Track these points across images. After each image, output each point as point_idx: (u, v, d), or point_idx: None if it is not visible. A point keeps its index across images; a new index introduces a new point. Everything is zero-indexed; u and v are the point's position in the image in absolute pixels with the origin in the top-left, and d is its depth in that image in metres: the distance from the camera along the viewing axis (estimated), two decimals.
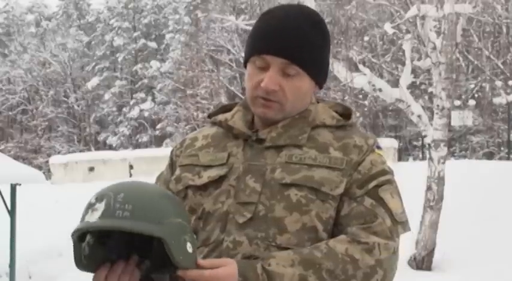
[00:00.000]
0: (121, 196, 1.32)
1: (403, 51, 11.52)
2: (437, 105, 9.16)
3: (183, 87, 30.08)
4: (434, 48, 9.29)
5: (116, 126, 39.03)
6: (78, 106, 39.89)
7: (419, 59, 11.39)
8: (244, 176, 1.49)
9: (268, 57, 1.49)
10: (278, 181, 1.47)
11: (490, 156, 24.96)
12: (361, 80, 10.16)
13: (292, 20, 1.50)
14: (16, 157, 28.85)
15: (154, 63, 38.00)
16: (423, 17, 9.48)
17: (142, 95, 38.50)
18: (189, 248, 1.34)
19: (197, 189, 1.53)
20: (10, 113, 40.18)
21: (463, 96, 21.21)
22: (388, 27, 10.51)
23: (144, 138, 37.79)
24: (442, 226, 9.02)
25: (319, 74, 1.55)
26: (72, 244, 1.36)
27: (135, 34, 40.66)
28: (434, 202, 9.00)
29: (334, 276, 1.38)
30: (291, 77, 1.50)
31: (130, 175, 21.29)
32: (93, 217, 1.31)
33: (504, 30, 19.05)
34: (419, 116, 9.73)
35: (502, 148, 24.93)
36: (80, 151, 34.68)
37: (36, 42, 41.57)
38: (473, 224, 9.86)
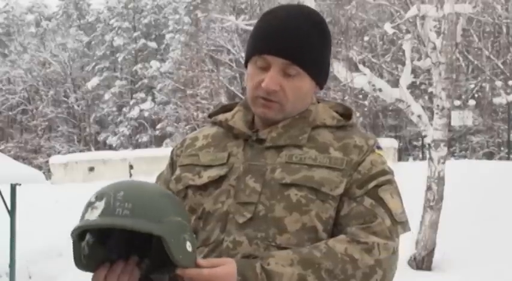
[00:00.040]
0: (121, 194, 1.32)
1: (403, 51, 11.52)
2: (437, 105, 9.16)
3: (183, 87, 30.08)
4: (434, 48, 9.29)
5: (116, 126, 39.03)
6: (78, 106, 39.89)
7: (419, 59, 11.39)
8: (245, 176, 1.49)
9: (269, 57, 1.49)
10: (278, 181, 1.47)
11: (490, 156, 24.96)
12: (361, 80, 10.16)
13: (293, 21, 1.50)
14: (16, 157, 28.85)
15: (154, 63, 38.00)
16: (423, 17, 9.48)
17: (142, 95, 38.51)
18: (189, 247, 1.34)
19: (197, 189, 1.53)
20: (10, 113, 40.19)
21: (463, 96, 21.21)
22: (388, 27, 10.51)
23: (144, 138, 37.79)
24: (442, 226, 9.02)
25: (319, 74, 1.55)
26: (72, 243, 1.36)
27: (135, 34, 40.66)
28: (434, 202, 9.00)
29: (334, 276, 1.37)
30: (291, 77, 1.50)
31: (130, 175, 21.28)
32: (93, 215, 1.31)
33: (504, 30, 19.05)
34: (419, 116, 9.73)
35: (502, 148, 24.93)
36: (80, 151, 34.69)
37: (36, 42, 41.57)
38: (473, 224, 9.86)
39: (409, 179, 9.10)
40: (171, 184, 1.59)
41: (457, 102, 18.25)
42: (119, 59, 40.28)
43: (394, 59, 18.43)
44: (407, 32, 11.86)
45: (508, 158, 20.19)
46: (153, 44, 40.19)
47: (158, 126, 35.64)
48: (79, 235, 1.35)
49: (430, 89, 19.64)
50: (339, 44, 10.98)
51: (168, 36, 39.14)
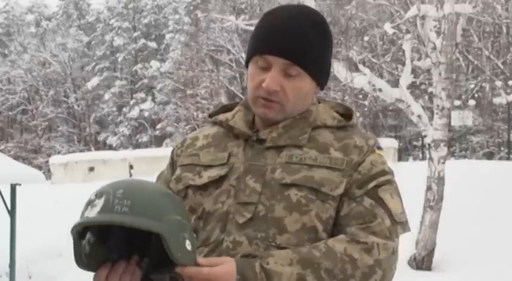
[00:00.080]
0: (120, 191, 1.32)
1: (403, 51, 11.52)
2: (437, 105, 9.16)
3: (183, 87, 30.08)
4: (434, 48, 9.29)
5: (116, 126, 39.03)
6: (78, 106, 39.90)
7: (419, 59, 11.39)
8: (245, 176, 1.49)
9: (270, 57, 1.49)
10: (278, 181, 1.47)
11: (490, 156, 24.96)
12: (361, 80, 10.16)
13: (294, 21, 1.50)
14: (16, 157, 28.85)
15: (154, 63, 38.00)
16: (423, 17, 9.48)
17: (142, 95, 38.51)
18: (188, 245, 1.34)
19: (197, 189, 1.53)
20: (10, 113, 40.18)
21: (463, 96, 21.21)
22: (388, 27, 10.51)
23: (144, 138, 37.79)
24: (442, 226, 9.02)
25: (320, 75, 1.55)
26: (72, 241, 1.36)
27: (135, 34, 40.66)
28: (434, 202, 9.00)
29: (333, 275, 1.37)
30: (292, 77, 1.50)
31: (131, 175, 21.28)
32: (92, 213, 1.31)
33: (504, 30, 19.05)
34: (419, 116, 9.73)
35: (502, 148, 24.93)
36: (80, 151, 34.68)
37: (36, 42, 41.58)
38: (473, 224, 9.86)
39: (409, 179, 9.09)
40: (171, 183, 1.59)
41: (457, 102, 18.25)
42: (119, 59, 40.28)
43: (394, 59, 18.43)
44: (407, 32, 11.86)
45: (508, 158, 20.19)
46: (153, 44, 40.19)
47: (158, 126, 35.63)
48: (79, 233, 1.35)
49: (430, 89, 19.63)
50: (339, 44, 10.99)
51: (168, 36, 39.14)
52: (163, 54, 39.43)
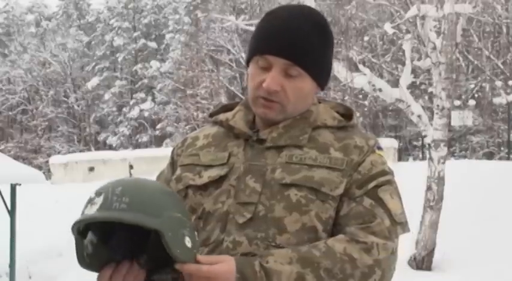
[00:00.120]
0: (119, 189, 1.33)
1: (403, 51, 11.52)
2: (437, 105, 9.16)
3: (183, 87, 30.09)
4: (434, 48, 9.29)
5: (116, 126, 39.04)
6: (78, 106, 39.90)
7: (419, 59, 11.38)
8: (245, 176, 1.49)
9: (271, 57, 1.49)
10: (278, 181, 1.47)
11: (490, 156, 24.97)
12: (361, 80, 10.16)
13: (295, 21, 1.50)
14: (16, 157, 28.85)
15: (154, 63, 38.01)
16: (423, 17, 9.47)
17: (142, 95, 38.51)
18: (188, 242, 1.34)
19: (197, 189, 1.53)
20: (10, 113, 40.19)
21: (463, 96, 21.21)
22: (388, 27, 10.51)
23: (144, 138, 37.79)
24: (442, 226, 9.02)
25: (321, 75, 1.55)
26: (74, 241, 1.36)
27: (135, 34, 40.66)
28: (434, 202, 9.00)
29: (332, 275, 1.37)
30: (293, 78, 1.50)
31: (130, 175, 21.28)
32: (92, 210, 1.32)
33: (504, 30, 19.05)
34: (419, 116, 9.73)
35: (502, 148, 24.93)
36: (80, 151, 34.68)
37: (36, 42, 41.58)
38: (473, 224, 9.86)
39: (409, 179, 9.09)
40: (171, 183, 1.59)
41: (457, 102, 18.26)
42: (119, 59, 40.29)
43: (394, 59, 18.44)
44: (407, 32, 11.86)
45: (508, 158, 20.19)
46: (153, 44, 40.19)
47: (158, 126, 35.64)
48: (80, 232, 1.36)
49: (430, 89, 19.64)
50: (339, 44, 10.98)
51: (168, 36, 39.15)
52: (163, 54, 39.44)
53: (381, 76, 14.92)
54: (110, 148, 36.19)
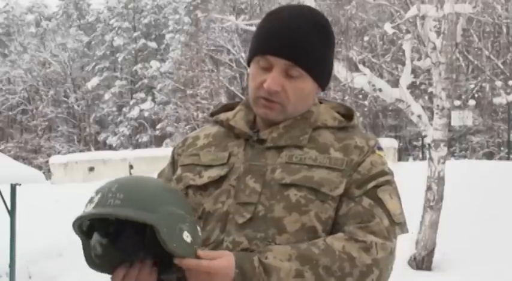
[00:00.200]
0: (115, 186, 1.34)
1: (403, 51, 11.51)
2: (437, 105, 9.16)
3: (183, 87, 30.09)
4: (434, 48, 9.29)
5: (116, 126, 39.04)
6: (78, 106, 39.90)
7: (419, 59, 11.38)
8: (245, 176, 1.49)
9: (272, 58, 1.49)
10: (278, 181, 1.47)
11: (490, 156, 24.97)
12: (361, 80, 10.16)
13: (296, 21, 1.50)
14: (16, 157, 28.86)
15: (154, 63, 38.01)
16: (423, 17, 9.47)
17: (142, 95, 38.52)
18: (187, 237, 1.33)
19: (197, 189, 1.53)
20: (10, 113, 40.19)
21: (463, 96, 21.21)
22: (388, 27, 10.51)
23: (144, 138, 37.80)
24: (442, 226, 9.02)
25: (322, 76, 1.55)
26: (80, 242, 1.37)
27: (135, 34, 40.67)
28: (434, 202, 9.00)
29: (331, 273, 1.37)
30: (293, 78, 1.50)
31: (130, 175, 21.25)
32: (89, 208, 1.33)
33: (504, 30, 19.05)
34: (419, 116, 9.73)
35: (502, 148, 24.93)
36: (80, 151, 34.68)
37: (36, 42, 41.58)
38: (473, 224, 9.86)
39: (409, 179, 9.10)
40: (172, 183, 1.59)
41: (457, 102, 18.25)
42: (119, 59, 40.29)
43: (394, 59, 18.43)
44: (407, 32, 11.86)
45: (508, 158, 20.19)
46: (153, 44, 40.19)
47: (158, 126, 35.63)
48: (84, 232, 1.36)
49: (430, 89, 19.64)
50: (339, 44, 10.98)
51: (168, 36, 39.15)
52: (163, 54, 39.44)
53: (381, 76, 14.93)
54: (110, 148, 36.19)
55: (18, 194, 8.68)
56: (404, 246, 8.64)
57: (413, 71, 13.28)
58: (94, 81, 39.25)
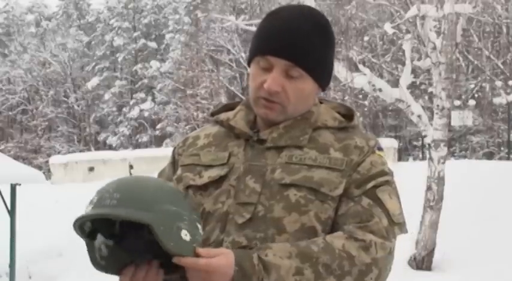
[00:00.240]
0: (113, 187, 1.35)
1: (403, 51, 11.52)
2: (437, 105, 9.16)
3: (183, 87, 30.09)
4: (434, 48, 9.29)
5: (116, 126, 39.04)
6: (78, 106, 39.90)
7: (419, 59, 11.39)
8: (245, 177, 1.49)
9: (272, 58, 1.49)
10: (277, 181, 1.47)
11: (490, 156, 24.97)
12: (361, 80, 10.16)
13: (296, 22, 1.50)
14: (16, 157, 28.86)
15: (154, 63, 38.01)
16: (423, 17, 9.47)
17: (142, 95, 38.52)
18: (185, 236, 1.33)
19: (197, 189, 1.53)
20: (10, 113, 40.19)
21: (463, 96, 21.22)
22: (388, 27, 10.51)
23: (144, 138, 37.79)
24: (442, 226, 9.02)
25: (322, 76, 1.55)
26: (85, 244, 1.37)
27: (135, 34, 40.67)
28: (434, 202, 9.00)
29: (330, 271, 1.37)
30: (294, 79, 1.50)
31: (130, 175, 21.25)
32: (87, 209, 1.34)
33: (504, 30, 19.06)
34: (419, 116, 9.73)
35: (502, 148, 24.94)
36: (80, 151, 34.68)
37: (36, 42, 41.58)
38: (473, 224, 9.86)
39: (409, 179, 9.10)
40: (172, 183, 1.59)
41: (457, 102, 18.26)
42: (119, 59, 40.29)
43: (394, 59, 18.44)
44: (407, 32, 11.86)
45: (508, 158, 20.19)
46: (153, 44, 40.19)
47: (158, 126, 35.64)
48: (89, 234, 1.37)
49: (430, 89, 19.64)
50: (339, 44, 10.98)
51: (168, 36, 39.15)
52: (163, 54, 39.44)
53: (381, 76, 14.93)
54: (110, 148, 36.19)
55: (18, 194, 8.68)
56: (404, 246, 8.64)
57: (413, 71, 13.28)
58: (94, 81, 39.25)
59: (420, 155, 26.26)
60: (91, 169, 22.39)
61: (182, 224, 1.34)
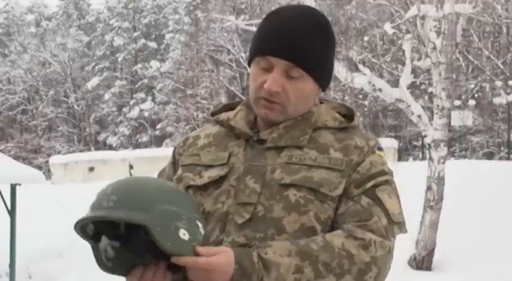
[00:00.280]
0: (110, 189, 1.35)
1: (403, 51, 11.52)
2: (437, 105, 9.16)
3: (183, 87, 30.10)
4: (434, 48, 9.29)
5: (116, 126, 39.04)
6: (78, 106, 39.90)
7: (419, 59, 11.39)
8: (245, 177, 1.49)
9: (272, 58, 1.49)
10: (277, 182, 1.47)
11: (490, 156, 24.97)
12: (361, 80, 10.16)
13: (296, 22, 1.50)
14: (16, 157, 28.87)
15: (154, 63, 38.01)
16: (423, 17, 9.48)
17: (142, 95, 38.52)
18: (184, 235, 1.32)
19: (198, 189, 1.53)
20: (10, 113, 40.20)
21: (463, 96, 21.22)
22: (388, 27, 10.51)
23: (144, 138, 37.80)
24: (442, 226, 9.02)
25: (322, 77, 1.55)
26: (91, 247, 1.37)
27: (135, 34, 40.67)
28: (434, 202, 9.00)
29: (330, 269, 1.37)
30: (294, 79, 1.50)
31: (130, 175, 21.27)
32: (87, 212, 1.34)
33: (504, 30, 19.06)
34: (419, 116, 9.73)
35: (502, 148, 24.94)
36: (80, 151, 34.68)
37: (36, 42, 41.59)
38: (473, 224, 9.86)
39: (409, 179, 9.11)
40: (172, 183, 1.59)
41: (457, 102, 18.26)
42: (119, 59, 40.30)
43: (394, 59, 18.44)
44: (407, 32, 11.86)
45: (508, 158, 20.19)
46: (153, 44, 40.20)
47: (158, 126, 35.64)
48: (93, 236, 1.37)
49: (430, 89, 19.65)
50: (339, 44, 10.98)
51: (168, 36, 39.15)
52: (163, 54, 39.45)
53: (381, 76, 14.93)
54: (110, 148, 36.19)
55: (18, 194, 8.68)
56: (404, 246, 8.64)
57: (413, 71, 13.29)
58: (94, 81, 39.25)
59: (420, 155, 26.26)
60: (91, 169, 22.39)
61: (180, 223, 1.33)
